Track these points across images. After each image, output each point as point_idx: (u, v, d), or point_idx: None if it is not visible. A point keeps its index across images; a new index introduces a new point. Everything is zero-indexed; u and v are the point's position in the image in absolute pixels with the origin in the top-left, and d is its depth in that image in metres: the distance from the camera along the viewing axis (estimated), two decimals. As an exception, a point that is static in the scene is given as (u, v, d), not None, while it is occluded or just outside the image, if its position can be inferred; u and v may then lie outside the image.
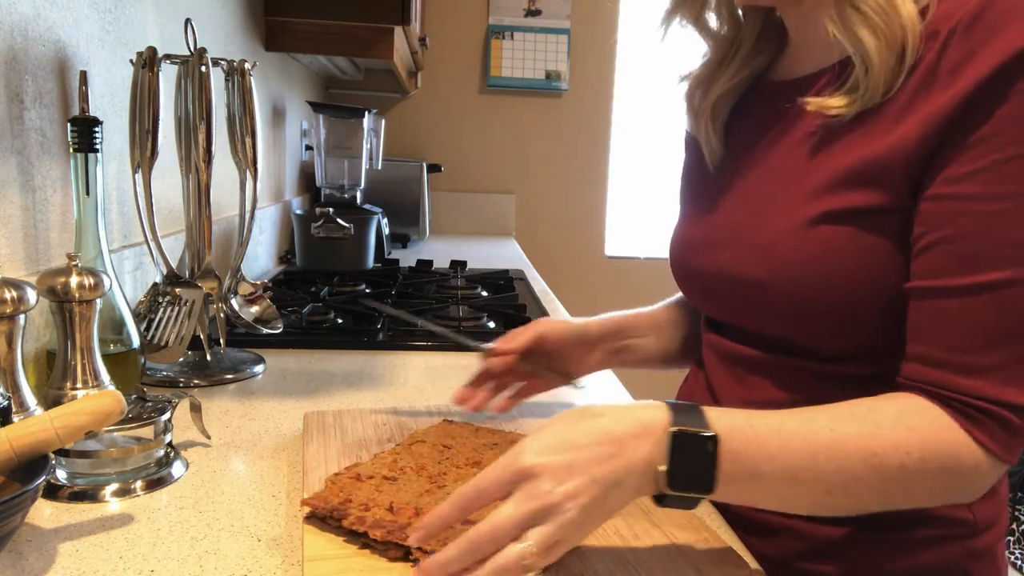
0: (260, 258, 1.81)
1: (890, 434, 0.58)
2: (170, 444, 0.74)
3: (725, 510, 0.74)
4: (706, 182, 0.82)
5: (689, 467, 0.54)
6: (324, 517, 0.60)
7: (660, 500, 0.56)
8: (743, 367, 0.77)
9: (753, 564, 0.61)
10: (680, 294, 0.95)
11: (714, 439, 0.54)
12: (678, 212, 0.88)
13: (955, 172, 0.59)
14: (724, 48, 0.81)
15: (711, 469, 0.55)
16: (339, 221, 1.69)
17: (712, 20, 0.82)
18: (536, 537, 0.50)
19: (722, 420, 0.56)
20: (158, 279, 1.00)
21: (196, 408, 0.78)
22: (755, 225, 0.72)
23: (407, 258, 2.11)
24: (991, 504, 0.72)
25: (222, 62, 1.01)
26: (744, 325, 0.76)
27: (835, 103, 0.66)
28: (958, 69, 0.60)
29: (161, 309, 0.98)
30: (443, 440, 0.75)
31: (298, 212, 1.87)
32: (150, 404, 0.74)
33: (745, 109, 0.81)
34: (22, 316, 0.69)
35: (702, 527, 0.63)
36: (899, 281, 0.63)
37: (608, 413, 0.56)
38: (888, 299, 0.64)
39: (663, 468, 0.54)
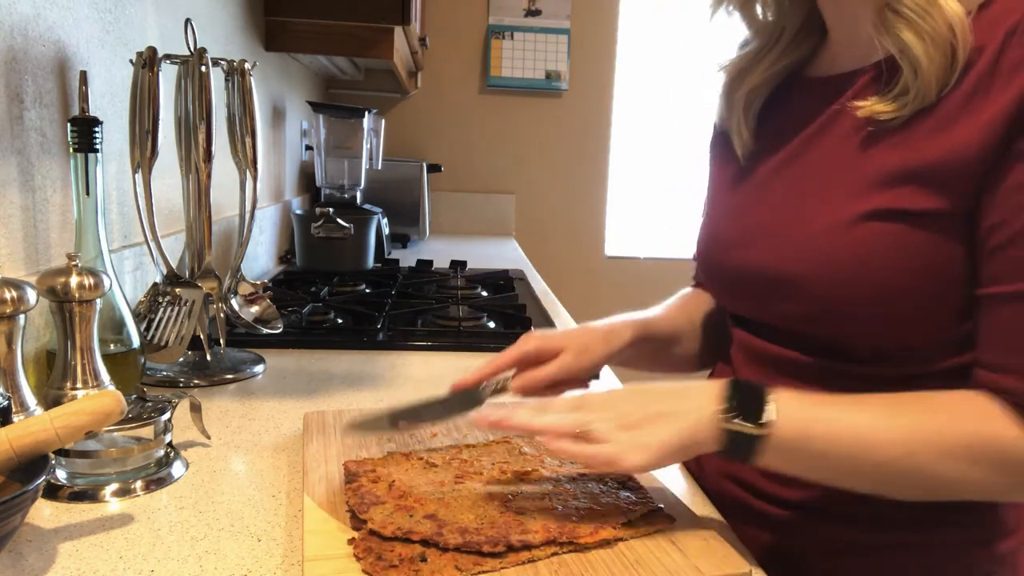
0: (260, 258, 1.81)
1: (942, 419, 0.60)
2: (170, 444, 0.74)
3: (740, 505, 0.74)
4: (737, 177, 0.80)
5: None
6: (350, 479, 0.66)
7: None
8: (773, 366, 0.76)
9: (753, 564, 0.61)
10: (685, 292, 0.95)
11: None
12: (706, 207, 0.86)
13: (1014, 180, 0.59)
14: (766, 37, 0.80)
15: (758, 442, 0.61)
16: (339, 221, 1.69)
17: (758, 8, 0.80)
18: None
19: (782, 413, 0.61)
20: (158, 279, 1.00)
21: (196, 408, 0.78)
22: (794, 221, 0.70)
23: (407, 258, 2.11)
24: (1016, 508, 0.71)
25: (222, 62, 1.01)
26: (775, 323, 0.74)
27: (886, 108, 0.64)
28: (1018, 68, 0.58)
29: (161, 309, 0.98)
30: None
31: (298, 212, 1.87)
32: (150, 404, 0.74)
33: (781, 104, 0.79)
34: (22, 316, 0.69)
35: (703, 528, 0.63)
36: (941, 284, 0.63)
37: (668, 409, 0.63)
38: (927, 301, 0.63)
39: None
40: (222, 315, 1.03)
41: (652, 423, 0.61)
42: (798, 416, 0.61)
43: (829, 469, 0.62)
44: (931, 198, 0.62)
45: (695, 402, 0.62)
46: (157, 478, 0.70)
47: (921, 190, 0.62)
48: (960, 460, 0.59)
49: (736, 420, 0.61)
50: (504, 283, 1.77)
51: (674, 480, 0.76)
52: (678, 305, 0.93)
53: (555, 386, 0.77)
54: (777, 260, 0.71)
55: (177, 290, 0.99)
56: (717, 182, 0.86)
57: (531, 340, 0.77)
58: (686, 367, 0.93)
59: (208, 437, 0.80)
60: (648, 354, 0.87)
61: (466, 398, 0.75)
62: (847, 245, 0.65)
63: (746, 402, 0.61)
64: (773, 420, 0.60)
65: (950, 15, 0.61)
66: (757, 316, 0.77)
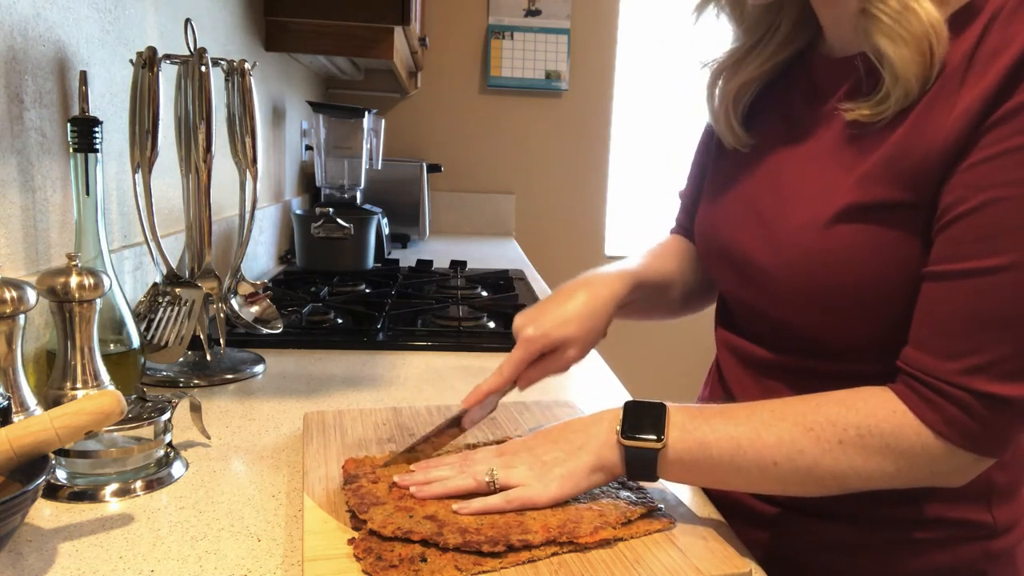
0: (260, 258, 1.81)
1: (828, 411, 0.61)
2: (170, 444, 0.74)
3: (736, 505, 0.74)
4: (740, 155, 0.80)
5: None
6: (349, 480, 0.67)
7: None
8: (758, 369, 0.77)
9: (753, 564, 0.61)
10: (665, 239, 0.95)
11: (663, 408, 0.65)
12: (699, 178, 0.86)
13: (969, 161, 0.58)
14: (756, 35, 0.79)
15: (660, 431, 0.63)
16: (339, 221, 1.69)
17: (747, 6, 0.79)
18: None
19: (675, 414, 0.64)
20: (158, 279, 1.00)
21: (196, 408, 0.78)
22: (780, 214, 0.71)
23: (407, 258, 2.11)
24: (1012, 506, 0.72)
25: (222, 62, 1.01)
26: (763, 308, 0.75)
27: (870, 112, 0.64)
28: (994, 56, 0.57)
29: (161, 309, 0.98)
30: None
31: (298, 212, 1.87)
32: (150, 404, 0.74)
33: (792, 79, 0.78)
34: (22, 316, 0.69)
35: (703, 528, 0.63)
36: (915, 279, 0.62)
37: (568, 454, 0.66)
38: (900, 297, 0.63)
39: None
40: (222, 315, 1.03)
41: (563, 458, 0.65)
42: (691, 427, 0.63)
43: (730, 476, 0.63)
44: (907, 192, 0.62)
45: (597, 428, 0.65)
46: (157, 478, 0.70)
47: (899, 186, 0.62)
48: (851, 452, 0.59)
49: (633, 437, 0.63)
50: (504, 283, 1.77)
51: (674, 480, 0.76)
52: (662, 251, 0.92)
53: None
54: (758, 246, 0.72)
55: (177, 290, 0.99)
56: (721, 156, 0.84)
57: (534, 344, 0.74)
58: (676, 312, 0.94)
59: (208, 437, 0.80)
60: (640, 305, 0.86)
61: (481, 408, 0.76)
62: (823, 244, 0.66)
63: (642, 420, 0.64)
64: (668, 433, 0.63)
65: (924, 16, 0.60)
66: (736, 294, 0.78)
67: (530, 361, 0.75)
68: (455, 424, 0.74)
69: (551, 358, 0.76)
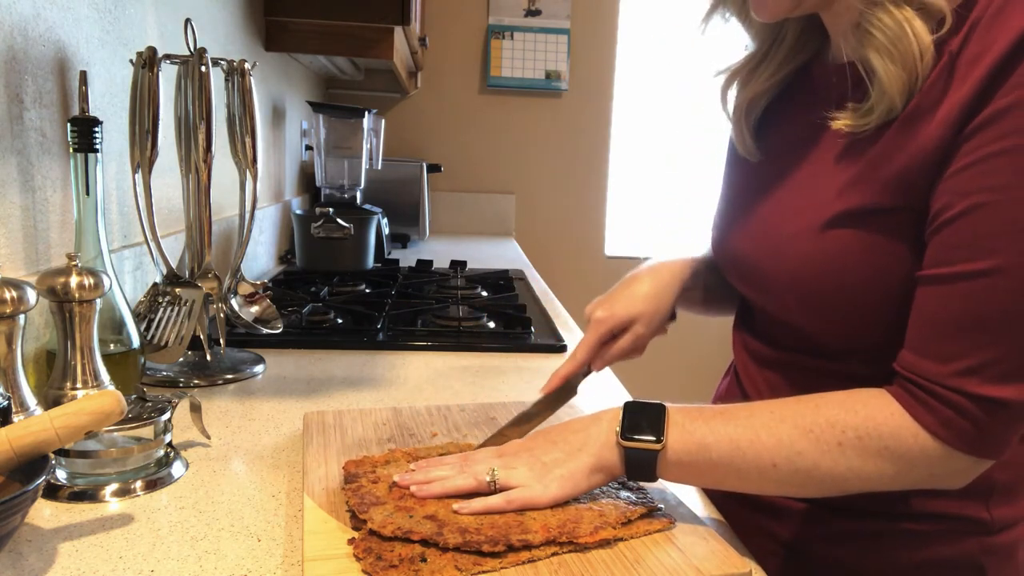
0: (260, 258, 1.81)
1: (828, 413, 0.61)
2: (170, 444, 0.74)
3: (754, 497, 0.75)
4: (750, 162, 0.81)
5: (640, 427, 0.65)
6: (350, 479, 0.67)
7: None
8: (766, 365, 0.79)
9: (753, 564, 0.61)
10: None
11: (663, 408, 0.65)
12: (724, 180, 0.87)
13: (952, 167, 0.59)
14: (768, 40, 0.79)
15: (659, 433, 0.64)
16: (339, 221, 1.69)
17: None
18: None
19: (675, 412, 0.65)
20: (158, 279, 1.00)
21: (196, 408, 0.78)
22: (779, 221, 0.72)
23: (407, 258, 2.11)
24: (1012, 505, 0.72)
25: (222, 62, 1.01)
26: (769, 309, 0.76)
27: (856, 122, 0.65)
28: (973, 63, 0.58)
29: (161, 309, 0.98)
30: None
31: (298, 212, 1.87)
32: (150, 404, 0.74)
33: (797, 86, 0.79)
34: (22, 316, 0.69)
35: (703, 528, 0.63)
36: (908, 279, 0.63)
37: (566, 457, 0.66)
38: (898, 296, 0.64)
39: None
40: (222, 315, 1.03)
41: (563, 459, 0.65)
42: (691, 428, 0.63)
43: (729, 477, 0.63)
44: (895, 198, 0.63)
45: (597, 429, 0.66)
46: (157, 478, 0.70)
47: (886, 192, 0.63)
48: (850, 454, 0.60)
49: (633, 438, 0.63)
50: (504, 283, 1.77)
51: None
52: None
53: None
54: (760, 251, 0.74)
55: (177, 290, 0.99)
56: (733, 161, 0.85)
57: (603, 324, 0.83)
58: (727, 306, 0.93)
59: (208, 437, 0.80)
60: (699, 295, 0.90)
61: (561, 392, 0.80)
62: (814, 252, 0.67)
63: (641, 421, 0.64)
64: (667, 434, 0.63)
65: (915, 43, 0.61)
66: (758, 300, 0.79)
67: (601, 341, 0.83)
68: (531, 417, 0.77)
69: (622, 339, 0.83)
